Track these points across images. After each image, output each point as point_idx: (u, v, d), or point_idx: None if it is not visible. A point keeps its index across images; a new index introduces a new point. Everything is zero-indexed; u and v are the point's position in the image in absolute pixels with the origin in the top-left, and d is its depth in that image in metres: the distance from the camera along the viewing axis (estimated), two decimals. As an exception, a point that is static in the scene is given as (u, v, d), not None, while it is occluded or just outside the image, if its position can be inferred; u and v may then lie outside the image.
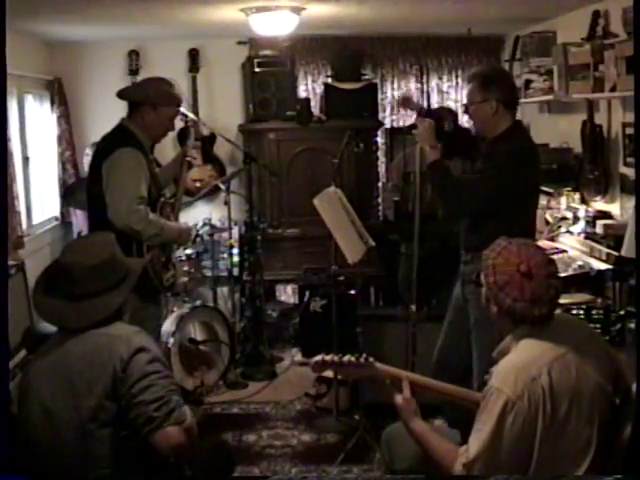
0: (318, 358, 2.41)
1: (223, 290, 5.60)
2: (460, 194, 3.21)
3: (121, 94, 3.58)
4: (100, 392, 2.16)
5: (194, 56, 5.91)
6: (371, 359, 2.37)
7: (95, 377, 2.18)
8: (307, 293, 5.24)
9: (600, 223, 4.09)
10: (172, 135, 5.72)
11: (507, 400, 1.94)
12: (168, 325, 4.48)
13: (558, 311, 2.19)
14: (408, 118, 6.17)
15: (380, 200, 5.87)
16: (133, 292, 3.20)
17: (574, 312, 3.32)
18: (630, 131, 4.02)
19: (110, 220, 3.31)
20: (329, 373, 4.21)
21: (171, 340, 4.38)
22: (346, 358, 2.38)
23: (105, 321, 2.30)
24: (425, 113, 3.64)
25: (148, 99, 3.49)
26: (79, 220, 5.58)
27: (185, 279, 4.89)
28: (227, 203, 5.03)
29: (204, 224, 5.43)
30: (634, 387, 2.10)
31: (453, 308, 3.43)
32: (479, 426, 2.00)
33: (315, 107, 5.93)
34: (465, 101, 3.37)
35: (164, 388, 2.20)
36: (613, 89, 3.83)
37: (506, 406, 1.94)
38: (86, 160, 5.20)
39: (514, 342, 2.11)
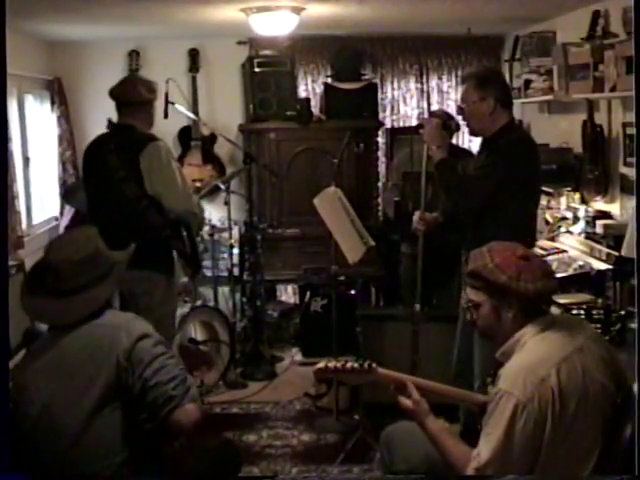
0: (321, 365, 2.38)
1: (224, 290, 5.59)
2: (467, 191, 3.23)
3: (124, 96, 3.62)
4: (103, 384, 2.17)
5: (194, 56, 5.90)
6: (374, 365, 2.34)
7: (97, 369, 2.18)
8: (307, 293, 5.24)
9: (600, 223, 4.10)
10: (173, 135, 5.77)
11: (517, 403, 1.94)
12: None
13: (558, 312, 2.20)
14: (408, 118, 6.18)
15: (380, 200, 5.86)
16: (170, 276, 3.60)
17: (574, 312, 3.32)
18: (630, 131, 4.02)
19: (169, 208, 3.49)
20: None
21: (171, 340, 4.38)
22: (349, 364, 2.35)
23: (96, 314, 2.30)
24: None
25: (150, 97, 3.64)
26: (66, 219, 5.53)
27: (185, 279, 4.88)
28: (227, 203, 5.03)
29: (204, 224, 5.42)
30: (634, 387, 2.10)
31: (462, 311, 3.43)
32: (489, 430, 1.99)
33: (315, 107, 5.92)
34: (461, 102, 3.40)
35: (176, 367, 2.21)
36: (613, 89, 3.83)
37: (516, 409, 1.94)
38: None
39: (519, 344, 2.11)
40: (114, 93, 3.65)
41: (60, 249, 2.35)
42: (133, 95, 3.61)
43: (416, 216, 3.65)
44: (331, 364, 2.36)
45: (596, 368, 2.06)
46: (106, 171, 3.54)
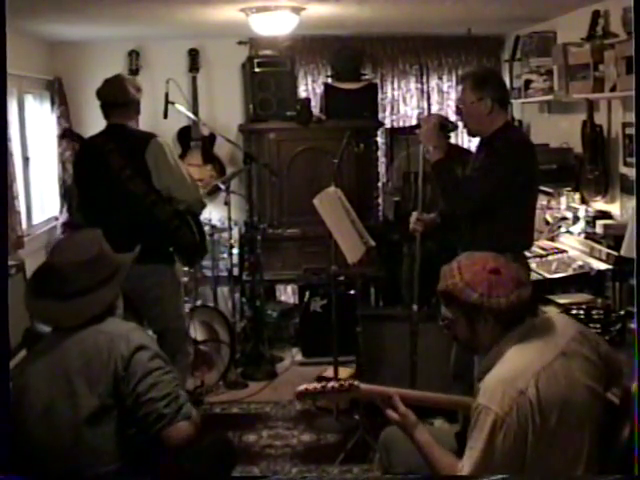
0: (301, 388, 2.32)
1: (223, 290, 5.59)
2: (464, 192, 3.23)
3: (114, 97, 3.67)
4: (102, 391, 2.17)
5: (194, 56, 5.90)
6: (355, 382, 2.30)
7: (95, 376, 2.18)
8: (307, 293, 5.24)
9: (600, 223, 4.10)
10: (172, 135, 5.77)
11: (496, 418, 1.92)
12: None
13: (556, 311, 2.18)
14: (408, 118, 6.18)
15: (380, 200, 5.86)
16: (173, 266, 3.75)
17: (574, 312, 3.31)
18: (630, 131, 4.02)
19: (180, 200, 3.63)
20: (330, 373, 4.21)
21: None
22: (329, 385, 2.30)
23: (99, 317, 2.30)
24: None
25: (138, 96, 3.73)
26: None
27: (185, 279, 4.88)
28: (227, 203, 5.03)
29: (204, 224, 5.42)
30: (634, 387, 2.09)
31: None
32: (471, 444, 1.98)
33: (315, 107, 5.92)
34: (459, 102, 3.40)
35: (170, 384, 2.21)
36: (613, 89, 3.83)
37: (495, 423, 1.92)
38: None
39: (500, 354, 2.08)
40: (103, 94, 3.71)
41: (64, 251, 2.35)
42: (124, 96, 3.67)
43: (413, 217, 3.65)
44: (311, 386, 2.32)
45: (580, 371, 2.03)
46: (110, 172, 3.57)
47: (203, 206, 3.87)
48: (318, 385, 2.31)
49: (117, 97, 3.66)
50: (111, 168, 3.56)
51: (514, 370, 2.00)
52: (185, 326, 3.94)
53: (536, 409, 1.93)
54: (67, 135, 4.04)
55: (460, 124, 3.66)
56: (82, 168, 3.79)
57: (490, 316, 2.08)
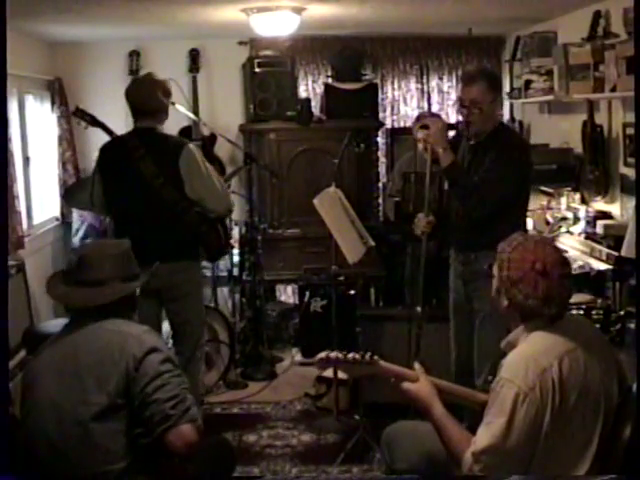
0: (322, 355, 2.41)
1: (223, 290, 5.59)
2: (481, 194, 3.18)
3: (142, 105, 3.60)
4: (111, 390, 2.18)
5: (195, 56, 5.90)
6: (375, 357, 2.36)
7: (106, 374, 2.19)
8: (307, 293, 5.24)
9: (600, 223, 4.10)
10: (173, 134, 5.77)
11: (518, 392, 1.95)
12: (168, 325, 4.47)
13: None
14: (408, 119, 6.18)
15: (380, 200, 5.86)
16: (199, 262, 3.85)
17: (574, 312, 3.31)
18: (630, 131, 4.02)
19: (212, 210, 3.65)
20: (329, 373, 4.21)
21: (171, 341, 4.38)
22: (350, 355, 2.37)
23: (110, 310, 2.32)
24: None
25: (168, 102, 3.72)
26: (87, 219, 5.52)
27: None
28: (227, 203, 5.02)
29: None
30: (634, 387, 2.10)
31: (456, 312, 3.42)
32: (489, 418, 2.00)
33: (315, 107, 5.93)
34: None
35: (178, 386, 2.23)
36: (613, 89, 3.83)
37: (517, 398, 1.95)
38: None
39: (523, 335, 2.12)
40: (132, 99, 3.62)
41: (92, 245, 2.51)
42: (153, 104, 3.61)
43: (423, 220, 3.49)
44: (332, 354, 2.39)
45: (599, 367, 2.06)
46: (142, 179, 3.52)
47: (231, 211, 3.93)
48: (340, 354, 2.37)
49: (145, 104, 3.60)
50: (143, 175, 3.51)
51: (538, 349, 2.04)
52: (205, 317, 4.05)
53: (557, 389, 1.96)
54: (78, 115, 3.94)
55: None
56: (110, 171, 3.65)
57: (507, 298, 2.11)
